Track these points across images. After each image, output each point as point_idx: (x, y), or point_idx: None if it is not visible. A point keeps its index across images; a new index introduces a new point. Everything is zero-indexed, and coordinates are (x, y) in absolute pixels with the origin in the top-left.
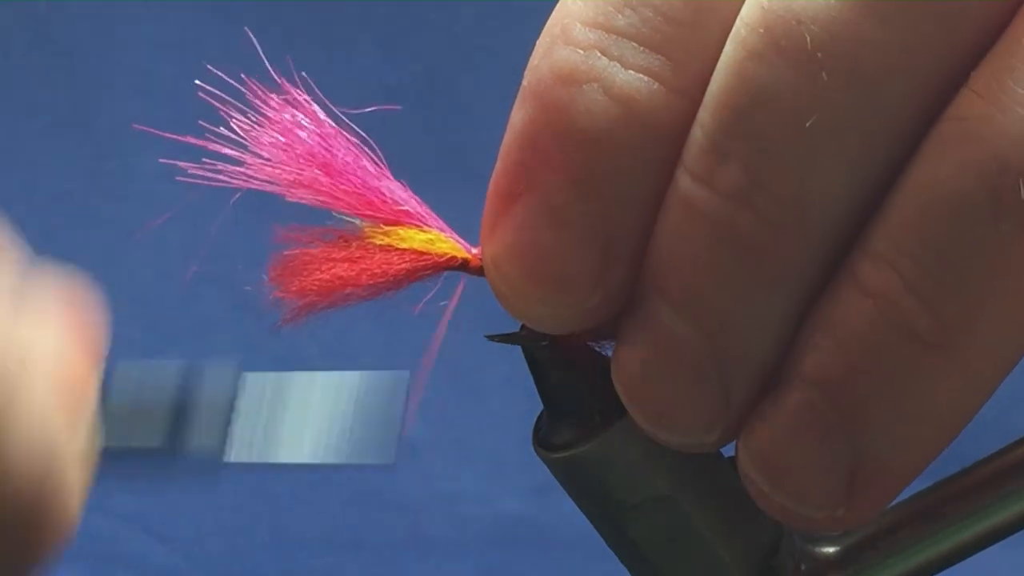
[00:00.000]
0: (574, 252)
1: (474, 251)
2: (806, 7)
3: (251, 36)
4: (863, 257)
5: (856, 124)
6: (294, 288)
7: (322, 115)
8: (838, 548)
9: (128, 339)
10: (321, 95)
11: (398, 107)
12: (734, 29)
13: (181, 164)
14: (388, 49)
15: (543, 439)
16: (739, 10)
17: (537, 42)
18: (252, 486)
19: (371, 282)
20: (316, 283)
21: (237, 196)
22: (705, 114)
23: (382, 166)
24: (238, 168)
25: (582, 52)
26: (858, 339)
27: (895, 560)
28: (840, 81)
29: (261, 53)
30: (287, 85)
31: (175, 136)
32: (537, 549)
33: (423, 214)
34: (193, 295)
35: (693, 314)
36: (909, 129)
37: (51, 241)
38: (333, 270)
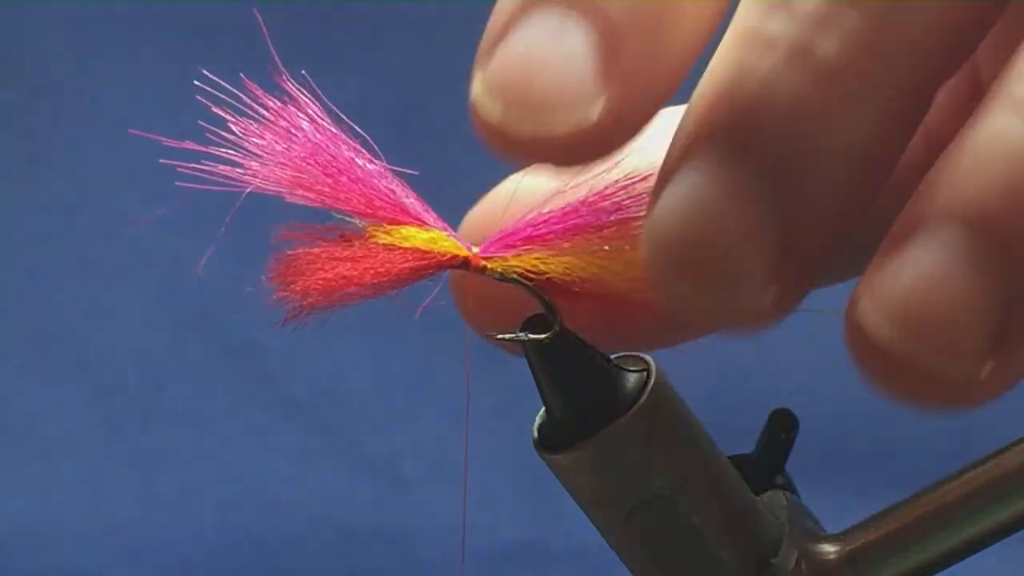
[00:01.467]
0: (570, 58)
1: (475, 249)
2: None
3: (234, 58)
4: (1017, 77)
5: None
6: (296, 288)
7: (321, 116)
8: (838, 548)
9: (117, 386)
10: (321, 96)
11: (398, 108)
12: None
13: (181, 167)
14: (388, 49)
15: (544, 440)
16: None
17: None
18: (242, 525)
19: (373, 281)
20: (318, 282)
21: (235, 206)
22: None
23: (382, 165)
24: (238, 170)
25: None
26: (1010, 163)
27: (895, 560)
28: None
29: (247, 69)
30: (286, 86)
31: (173, 142)
32: (534, 572)
33: (424, 213)
34: (183, 338)
35: (758, 155)
36: None
37: (35, 282)
38: (335, 269)
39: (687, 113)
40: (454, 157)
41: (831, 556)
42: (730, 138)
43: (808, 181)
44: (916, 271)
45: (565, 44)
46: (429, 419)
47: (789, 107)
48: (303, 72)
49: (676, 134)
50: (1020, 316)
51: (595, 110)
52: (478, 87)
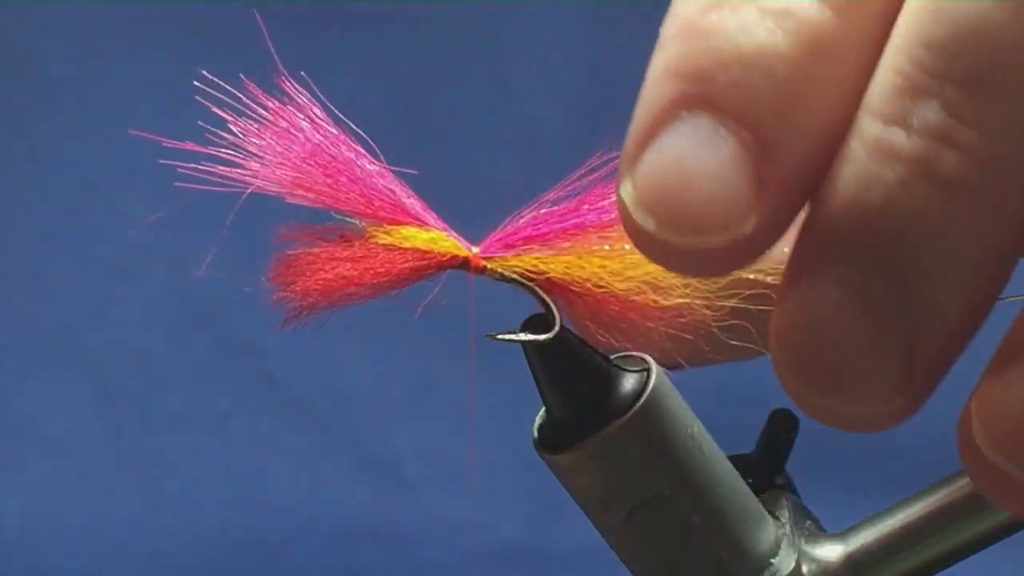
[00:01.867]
0: (724, 178)
1: (475, 249)
2: None
3: (235, 58)
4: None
5: None
6: (297, 288)
7: (321, 116)
8: (838, 548)
9: (118, 385)
10: (320, 97)
11: (397, 108)
12: None
13: (181, 169)
14: (388, 50)
15: (544, 439)
16: None
17: None
18: (244, 525)
19: (374, 281)
20: (319, 282)
21: (236, 207)
22: (895, 55)
23: (382, 166)
24: (239, 172)
25: None
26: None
27: (895, 560)
28: None
29: (247, 70)
30: (286, 88)
31: (172, 143)
32: (536, 572)
33: (424, 213)
34: (184, 337)
35: (884, 261)
36: None
37: (36, 282)
38: (336, 269)
39: (812, 219)
40: (455, 157)
41: (831, 556)
42: (857, 248)
43: (933, 291)
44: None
45: (718, 155)
46: (430, 419)
47: (914, 220)
48: (302, 73)
49: (801, 240)
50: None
51: (750, 225)
52: (629, 195)
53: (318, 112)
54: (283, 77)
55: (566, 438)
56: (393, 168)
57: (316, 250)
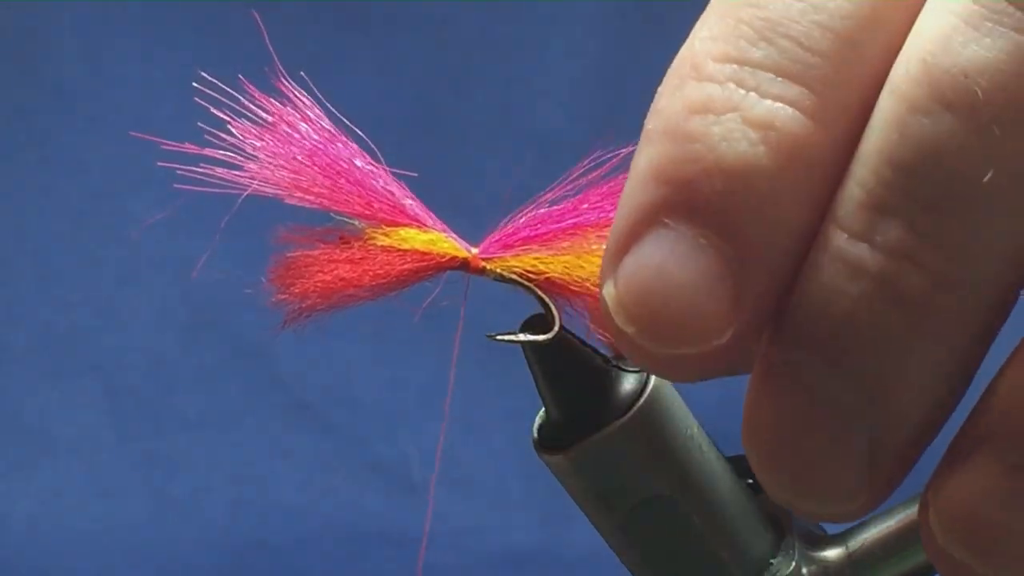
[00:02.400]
0: (704, 290)
1: (474, 251)
2: (973, 60)
3: (245, 59)
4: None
5: None
6: (296, 290)
7: (321, 118)
8: (838, 549)
9: (128, 388)
10: (320, 98)
11: (391, 122)
12: (891, 82)
13: (181, 170)
14: (387, 51)
15: (544, 440)
16: (884, 49)
17: (662, 83)
18: (252, 528)
19: (373, 282)
20: (318, 284)
21: (237, 203)
22: (863, 170)
23: (382, 167)
24: (239, 173)
25: (717, 86)
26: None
27: (895, 560)
28: (1013, 135)
29: (256, 73)
30: (286, 89)
31: (170, 145)
32: None
33: (423, 215)
34: (193, 340)
35: (847, 371)
36: None
37: (46, 285)
38: (335, 271)
39: (781, 324)
40: (464, 158)
41: (831, 557)
42: (821, 356)
43: (893, 401)
44: (978, 497)
45: (700, 267)
46: (439, 422)
47: (875, 333)
48: (302, 74)
49: (769, 340)
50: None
51: (724, 338)
52: (611, 297)
53: (318, 114)
54: (285, 79)
55: (566, 438)
56: (393, 170)
57: (315, 252)
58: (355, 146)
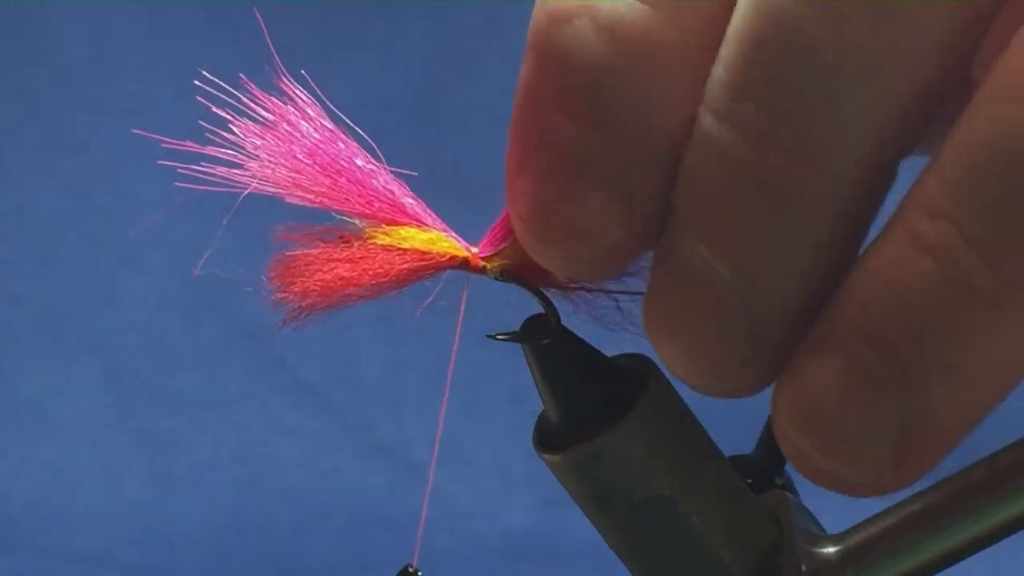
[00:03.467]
0: (591, 194)
1: (474, 250)
2: None
3: (250, 42)
4: (917, 211)
5: (885, 61)
6: (296, 289)
7: (321, 117)
8: (838, 548)
9: (129, 368)
10: (320, 97)
11: (397, 109)
12: None
13: (181, 170)
14: (387, 52)
15: (544, 439)
16: None
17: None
18: (254, 508)
19: (373, 282)
20: (318, 283)
21: (240, 199)
22: (725, 50)
23: (381, 166)
24: (238, 171)
25: None
26: (914, 293)
27: (895, 560)
28: (868, 16)
29: (260, 57)
30: (286, 89)
31: (169, 141)
32: (544, 562)
33: (423, 214)
34: (195, 321)
35: (722, 249)
36: (943, 71)
37: (48, 265)
38: (334, 270)
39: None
40: (464, 146)
41: (831, 556)
42: (700, 236)
43: (764, 276)
44: (818, 389)
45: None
46: (441, 405)
47: (740, 212)
48: (303, 72)
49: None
50: (917, 429)
51: (612, 237)
52: (517, 222)
53: (318, 113)
54: (286, 75)
55: (565, 438)
56: (394, 169)
57: (314, 251)
58: (355, 144)
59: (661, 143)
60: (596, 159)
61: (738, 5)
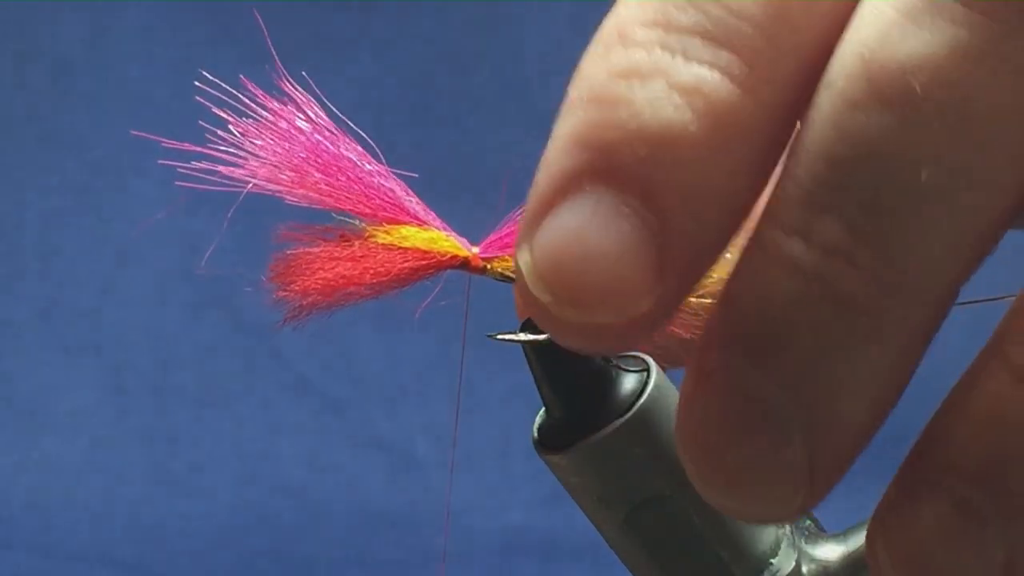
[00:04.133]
0: (625, 256)
1: (474, 250)
2: (911, 55)
3: (250, 42)
4: (1013, 340)
5: (970, 177)
6: (297, 287)
7: (322, 117)
8: (839, 548)
9: (130, 364)
10: (321, 97)
11: (398, 108)
12: (828, 77)
13: (181, 169)
14: (387, 52)
15: (543, 439)
16: (820, 31)
17: (587, 50)
18: (254, 505)
19: (374, 281)
20: (319, 282)
21: (240, 198)
22: (798, 167)
23: (382, 165)
24: (239, 171)
25: (643, 51)
26: (1015, 427)
27: None
28: (952, 132)
29: (260, 57)
30: (287, 88)
31: (169, 138)
32: (543, 559)
33: (423, 213)
34: (195, 318)
35: (781, 374)
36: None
37: (49, 261)
38: (336, 269)
39: (716, 319)
40: (463, 142)
41: (831, 556)
42: (756, 357)
43: (830, 403)
44: (924, 531)
45: (620, 233)
46: (442, 401)
47: (810, 333)
48: (303, 73)
49: (707, 334)
50: (1020, 566)
51: (644, 307)
52: (526, 265)
53: (318, 113)
54: (286, 75)
55: (566, 438)
56: (394, 169)
57: (316, 249)
58: (356, 143)
59: (720, 228)
60: (646, 226)
61: (809, 120)
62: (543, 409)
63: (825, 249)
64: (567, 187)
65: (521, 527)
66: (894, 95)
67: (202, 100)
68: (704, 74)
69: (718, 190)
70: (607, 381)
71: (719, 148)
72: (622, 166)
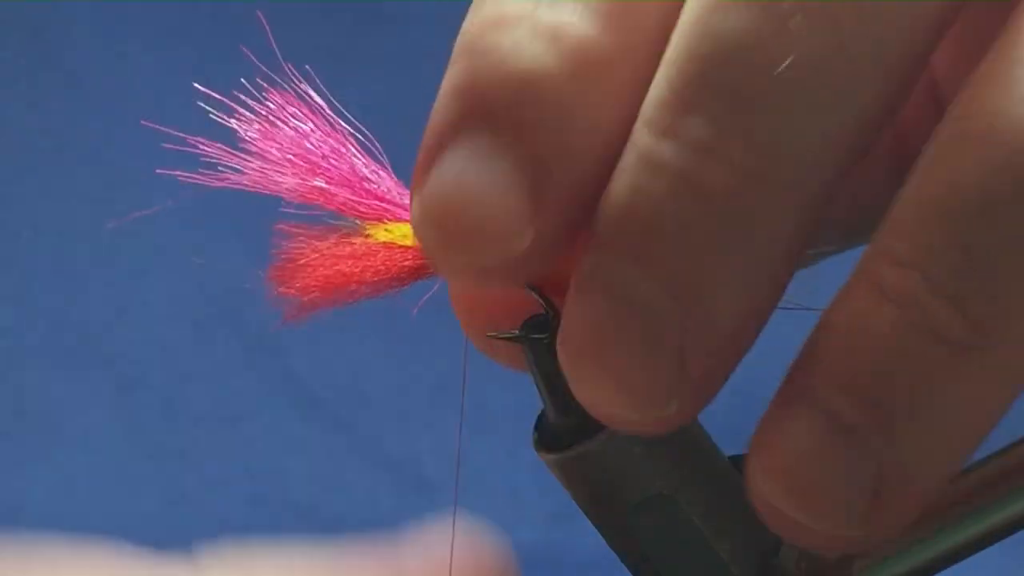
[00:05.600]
0: (500, 193)
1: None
2: None
3: (259, 49)
4: (879, 259)
5: (832, 72)
6: (297, 286)
7: (323, 115)
8: None
9: (140, 381)
10: (322, 97)
11: (404, 113)
12: None
13: (180, 169)
14: (390, 59)
15: (543, 439)
16: None
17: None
18: (264, 522)
19: (374, 280)
20: (319, 281)
21: (250, 208)
22: (667, 67)
23: (383, 164)
24: (241, 171)
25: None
26: (884, 345)
27: (895, 560)
28: (813, 25)
29: (263, 58)
30: (296, 94)
31: (178, 141)
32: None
33: None
34: (206, 335)
35: (654, 271)
36: (894, 87)
37: (63, 276)
38: (336, 267)
39: (591, 228)
40: None
41: (831, 556)
42: (626, 256)
43: (703, 300)
44: (796, 445)
45: (493, 174)
46: (453, 420)
47: (681, 229)
48: (307, 67)
49: (585, 249)
50: (892, 483)
51: (524, 241)
52: (416, 211)
53: (319, 111)
54: (295, 81)
55: (565, 438)
56: (398, 170)
57: (317, 247)
58: (359, 142)
59: (592, 158)
60: (519, 163)
61: (679, 24)
62: (542, 409)
63: (692, 146)
64: (447, 136)
65: (529, 543)
66: None
67: (213, 108)
68: (565, 14)
69: (586, 124)
70: None
71: (583, 82)
72: (492, 110)
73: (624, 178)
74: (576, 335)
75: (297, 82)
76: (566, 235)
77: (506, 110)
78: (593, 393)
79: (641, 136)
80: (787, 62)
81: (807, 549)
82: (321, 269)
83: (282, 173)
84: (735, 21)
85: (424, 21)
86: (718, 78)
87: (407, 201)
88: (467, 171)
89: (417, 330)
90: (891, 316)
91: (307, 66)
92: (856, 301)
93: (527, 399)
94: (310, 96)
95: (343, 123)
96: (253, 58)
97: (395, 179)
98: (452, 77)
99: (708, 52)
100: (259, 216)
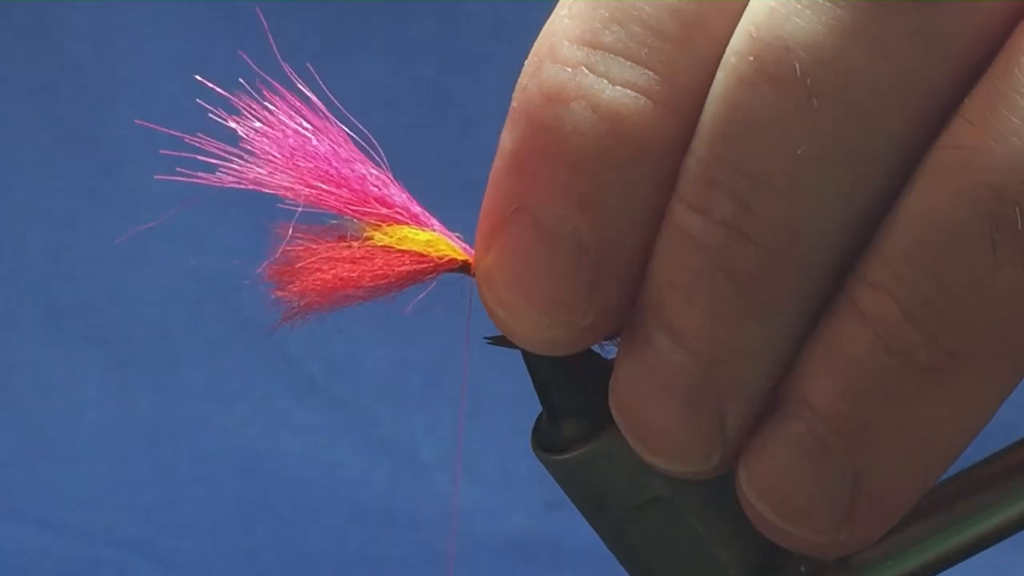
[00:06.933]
0: (565, 272)
1: (474, 253)
2: (795, 33)
3: (256, 42)
4: (860, 285)
5: (847, 151)
6: (294, 288)
7: (323, 117)
8: None
9: (137, 363)
10: (323, 97)
11: (402, 110)
12: (724, 56)
13: (180, 169)
14: (390, 55)
15: (542, 441)
16: (731, 27)
17: (525, 62)
18: (257, 503)
19: (371, 283)
20: (316, 283)
21: (245, 195)
22: (698, 142)
23: (383, 168)
24: (240, 170)
25: (569, 70)
26: (858, 366)
27: (895, 560)
28: (830, 108)
29: (266, 58)
30: (293, 88)
31: (176, 133)
32: (545, 564)
33: (423, 216)
34: (200, 317)
35: (689, 342)
36: (902, 155)
37: (56, 261)
38: (334, 270)
39: (640, 294)
40: (471, 146)
41: (829, 559)
42: (666, 326)
43: (732, 368)
44: (775, 459)
45: (552, 253)
46: (448, 404)
47: (710, 303)
48: (308, 65)
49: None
50: (866, 494)
51: (590, 318)
52: (481, 283)
53: (320, 113)
54: (292, 75)
55: (564, 440)
56: (398, 171)
57: (315, 250)
58: (358, 143)
59: (641, 226)
60: (574, 237)
61: (708, 100)
62: (541, 411)
63: (721, 223)
64: (510, 206)
65: (524, 531)
66: (777, 72)
67: (208, 99)
68: (626, 97)
69: (642, 202)
70: (606, 383)
71: (640, 166)
72: (553, 190)
73: (662, 250)
74: (622, 397)
75: (296, 78)
76: (626, 303)
77: (569, 188)
78: (641, 448)
79: (676, 209)
80: (805, 146)
81: (797, 552)
82: (319, 273)
83: (279, 170)
84: (758, 100)
85: (424, 17)
86: (743, 156)
87: (407, 204)
88: (532, 248)
89: (413, 312)
90: (866, 338)
91: (306, 62)
92: (836, 322)
93: (522, 389)
94: (309, 93)
95: (343, 121)
96: (256, 53)
97: (396, 181)
98: (511, 144)
99: (734, 130)
100: (253, 200)
